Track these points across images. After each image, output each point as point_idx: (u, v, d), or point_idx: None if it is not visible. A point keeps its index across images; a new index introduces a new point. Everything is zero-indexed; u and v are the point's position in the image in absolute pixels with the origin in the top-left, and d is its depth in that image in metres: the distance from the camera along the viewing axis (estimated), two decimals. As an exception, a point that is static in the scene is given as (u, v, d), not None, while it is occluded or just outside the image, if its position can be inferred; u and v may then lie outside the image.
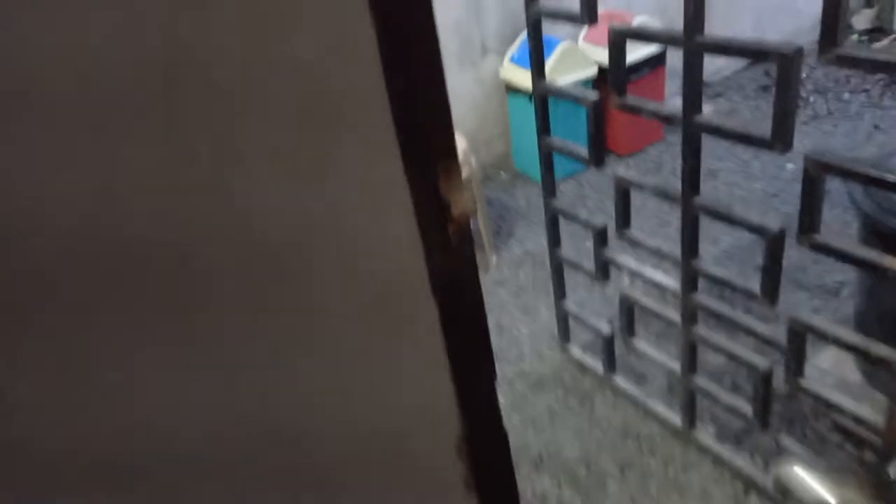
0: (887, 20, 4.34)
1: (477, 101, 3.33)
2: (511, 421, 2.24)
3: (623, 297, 2.01)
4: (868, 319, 1.95)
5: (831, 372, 2.06)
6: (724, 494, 1.91)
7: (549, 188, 2.05)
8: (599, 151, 1.78)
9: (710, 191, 3.09)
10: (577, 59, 3.11)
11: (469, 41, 3.19)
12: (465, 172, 2.73)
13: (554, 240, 2.16)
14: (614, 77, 1.66)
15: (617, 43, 1.60)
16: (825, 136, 3.45)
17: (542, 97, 1.87)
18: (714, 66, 4.16)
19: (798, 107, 1.28)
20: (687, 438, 2.04)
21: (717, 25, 3.57)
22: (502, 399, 2.37)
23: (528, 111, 2.99)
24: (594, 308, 2.50)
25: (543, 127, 1.93)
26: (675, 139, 3.61)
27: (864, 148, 3.28)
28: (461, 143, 2.77)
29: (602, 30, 3.36)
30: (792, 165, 3.16)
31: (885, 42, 4.31)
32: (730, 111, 3.92)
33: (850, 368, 2.06)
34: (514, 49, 3.20)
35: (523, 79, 3.04)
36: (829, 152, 1.29)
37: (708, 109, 3.81)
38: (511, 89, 3.24)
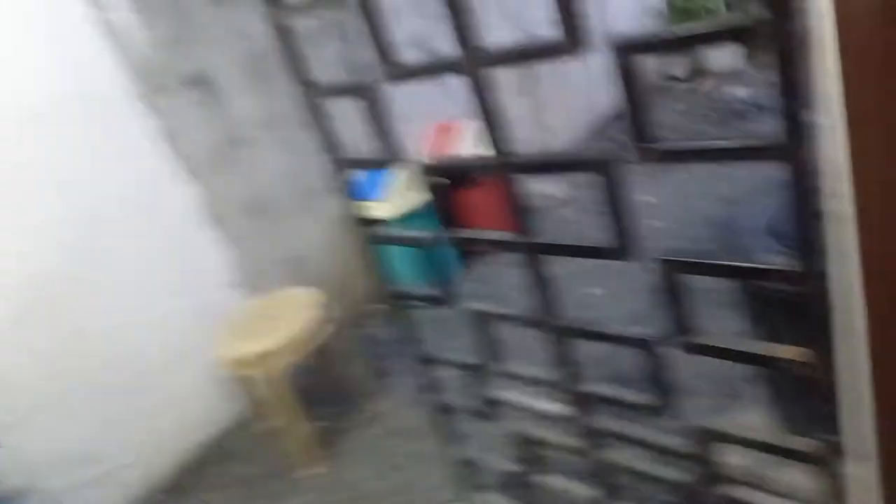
0: (704, 60, 4.60)
1: (331, 243, 3.14)
2: None
3: (514, 435, 1.81)
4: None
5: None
6: None
7: (409, 334, 1.85)
8: (452, 289, 1.61)
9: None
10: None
11: (305, 188, 3.02)
12: (328, 329, 2.51)
13: (428, 386, 1.94)
14: (442, 215, 1.51)
15: (434, 181, 1.45)
16: (664, 186, 3.46)
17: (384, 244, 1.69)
18: (554, 140, 4.19)
19: (633, 212, 1.15)
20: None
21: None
22: None
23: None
24: (494, 440, 2.27)
25: (389, 275, 1.75)
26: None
27: (717, 188, 3.29)
28: (315, 296, 2.55)
29: (442, 140, 3.32)
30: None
31: (709, 83, 4.54)
32: (570, 197, 3.91)
33: (763, 421, 1.93)
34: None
35: (372, 210, 2.90)
36: (681, 250, 1.17)
37: (557, 189, 3.80)
38: (362, 222, 3.07)
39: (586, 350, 2.54)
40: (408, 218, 2.96)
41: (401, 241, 1.67)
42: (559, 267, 1.41)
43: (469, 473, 2.13)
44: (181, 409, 2.71)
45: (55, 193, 2.30)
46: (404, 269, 1.77)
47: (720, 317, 2.44)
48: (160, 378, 2.62)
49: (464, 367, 1.77)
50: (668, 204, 3.37)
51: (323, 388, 2.83)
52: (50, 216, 2.31)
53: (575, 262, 1.37)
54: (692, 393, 2.25)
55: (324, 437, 2.65)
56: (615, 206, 1.17)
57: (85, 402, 2.43)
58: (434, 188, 1.52)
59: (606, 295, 2.85)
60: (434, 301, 1.66)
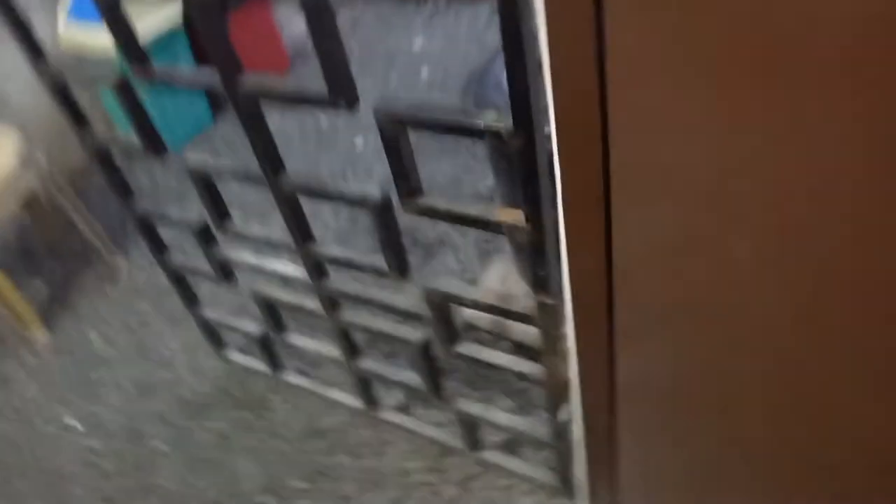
0: None
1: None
2: (176, 469, 1.85)
3: (256, 295, 1.67)
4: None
5: (498, 287, 1.95)
6: (423, 465, 1.74)
7: (122, 190, 1.59)
8: (151, 136, 1.36)
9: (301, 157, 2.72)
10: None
11: None
12: (33, 177, 2.13)
13: (157, 247, 1.73)
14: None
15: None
16: (448, 32, 3.30)
17: (59, 87, 1.37)
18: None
19: (345, 51, 0.98)
20: (373, 420, 1.83)
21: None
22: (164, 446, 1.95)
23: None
24: (237, 302, 2.11)
25: (78, 121, 1.45)
26: (304, 66, 3.26)
27: (485, 35, 3.18)
28: (12, 138, 2.13)
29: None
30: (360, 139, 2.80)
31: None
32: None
33: (514, 280, 1.96)
34: (64, 3, 2.54)
35: (93, 38, 2.44)
36: (396, 99, 1.02)
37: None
38: (83, 52, 2.60)
39: (333, 210, 2.41)
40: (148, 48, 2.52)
41: (103, 82, 1.37)
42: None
43: (213, 334, 1.99)
44: None
45: None
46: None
47: (479, 172, 2.43)
48: None
49: (189, 226, 1.57)
50: (434, 50, 3.21)
51: (42, 247, 2.49)
52: None
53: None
54: (440, 252, 2.24)
55: (48, 302, 2.36)
56: (323, 39, 0.98)
57: None
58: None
59: (369, 146, 2.70)
60: (150, 152, 1.41)
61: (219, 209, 1.47)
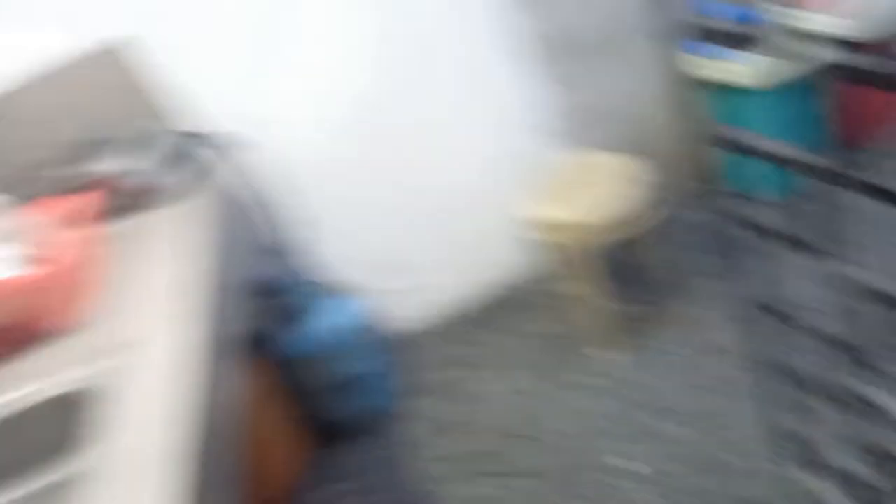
0: None
1: (664, 105, 2.51)
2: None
3: (878, 447, 1.25)
4: None
5: None
6: None
7: (734, 267, 1.34)
8: (827, 236, 1.05)
9: None
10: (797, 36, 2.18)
11: (633, 27, 2.36)
12: (653, 212, 2.07)
13: (758, 334, 1.44)
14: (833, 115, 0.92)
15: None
16: None
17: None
18: None
19: None
20: None
21: None
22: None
23: (740, 109, 2.23)
24: (837, 429, 1.67)
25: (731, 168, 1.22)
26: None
27: None
28: (641, 169, 2.09)
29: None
30: None
31: None
32: None
33: None
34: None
35: (723, 71, 2.23)
36: None
37: None
38: (707, 83, 2.41)
39: None
40: (778, 91, 2.15)
41: (754, 152, 1.11)
42: None
43: (791, 445, 1.63)
44: (481, 246, 2.58)
45: (372, 6, 2.11)
46: (756, 170, 1.19)
47: None
48: (461, 212, 2.50)
49: (821, 336, 1.22)
50: None
51: (627, 269, 2.43)
52: (367, 33, 2.14)
53: None
54: None
55: (622, 323, 2.30)
56: None
57: (390, 218, 2.43)
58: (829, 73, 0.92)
59: None
60: (791, 241, 1.11)
61: (866, 336, 1.09)
